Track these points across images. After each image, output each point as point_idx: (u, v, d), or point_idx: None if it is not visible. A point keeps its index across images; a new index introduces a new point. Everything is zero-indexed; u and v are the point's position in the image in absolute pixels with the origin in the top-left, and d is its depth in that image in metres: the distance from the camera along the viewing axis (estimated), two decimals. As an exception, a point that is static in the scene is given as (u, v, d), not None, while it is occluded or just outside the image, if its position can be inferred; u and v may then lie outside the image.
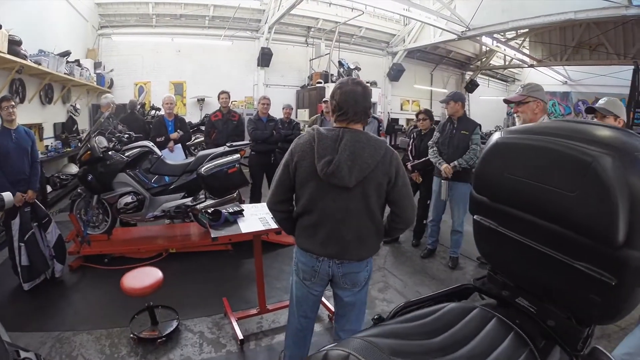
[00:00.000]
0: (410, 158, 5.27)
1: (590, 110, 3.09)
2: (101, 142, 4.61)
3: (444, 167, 4.44)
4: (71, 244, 4.55)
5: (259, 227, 2.90)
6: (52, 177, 7.42)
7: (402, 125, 15.71)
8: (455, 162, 4.38)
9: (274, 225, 2.86)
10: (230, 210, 3.03)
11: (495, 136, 1.44)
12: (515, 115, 3.00)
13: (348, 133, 1.96)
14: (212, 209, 2.98)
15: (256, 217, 3.10)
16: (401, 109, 16.48)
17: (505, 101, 3.16)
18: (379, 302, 3.82)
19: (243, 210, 3.14)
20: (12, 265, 3.90)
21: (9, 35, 5.36)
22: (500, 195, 1.41)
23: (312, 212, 2.04)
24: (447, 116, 4.66)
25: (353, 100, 1.98)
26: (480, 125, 4.50)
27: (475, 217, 1.53)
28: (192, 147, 9.15)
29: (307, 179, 2.00)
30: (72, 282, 4.22)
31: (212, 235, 2.75)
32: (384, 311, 3.64)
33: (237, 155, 4.66)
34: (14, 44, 5.50)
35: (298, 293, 2.24)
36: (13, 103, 3.85)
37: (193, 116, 11.95)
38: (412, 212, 2.08)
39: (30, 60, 6.16)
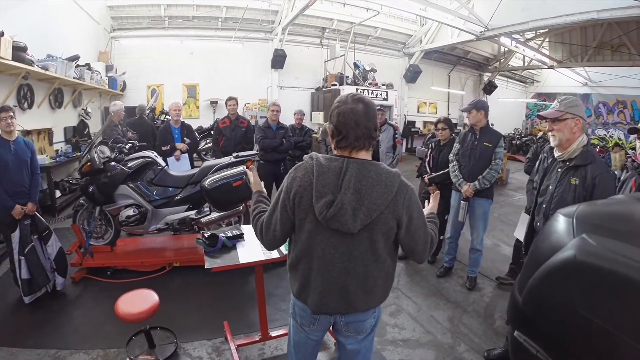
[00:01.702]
0: (428, 170, 4.98)
1: (634, 130, 2.73)
2: (104, 151, 4.46)
3: (465, 189, 4.17)
4: (74, 255, 4.43)
5: (260, 255, 2.64)
6: (62, 182, 7.30)
7: (419, 128, 15.47)
8: (476, 184, 4.11)
9: (275, 254, 2.63)
10: (229, 234, 2.79)
11: (570, 240, 1.01)
12: (550, 134, 2.62)
13: (354, 165, 1.63)
14: (209, 233, 2.74)
15: (257, 242, 2.83)
16: (418, 112, 16.24)
17: (539, 117, 2.80)
18: (390, 329, 3.57)
19: (243, 234, 2.90)
20: (13, 277, 3.82)
21: (14, 41, 5.26)
22: (564, 332, 1.02)
23: (309, 258, 1.75)
24: (469, 125, 4.36)
25: (353, 122, 1.64)
26: (504, 137, 4.20)
27: (515, 333, 1.21)
28: (203, 152, 9.04)
29: (304, 219, 1.70)
30: (73, 295, 4.11)
31: (206, 265, 2.51)
32: (395, 340, 3.42)
33: (243, 167, 4.45)
34: (18, 50, 5.43)
35: (295, 337, 1.99)
36: (12, 114, 3.72)
37: (206, 119, 11.91)
38: (425, 255, 1.79)
39: (38, 65, 6.08)
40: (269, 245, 1.87)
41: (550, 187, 2.57)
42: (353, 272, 1.71)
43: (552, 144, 2.60)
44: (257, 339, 3.18)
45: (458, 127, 16.26)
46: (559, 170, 2.54)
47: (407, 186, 1.68)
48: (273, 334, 3.22)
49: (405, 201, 1.65)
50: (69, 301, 4.00)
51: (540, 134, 18.34)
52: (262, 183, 2.23)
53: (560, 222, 1.10)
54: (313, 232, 1.70)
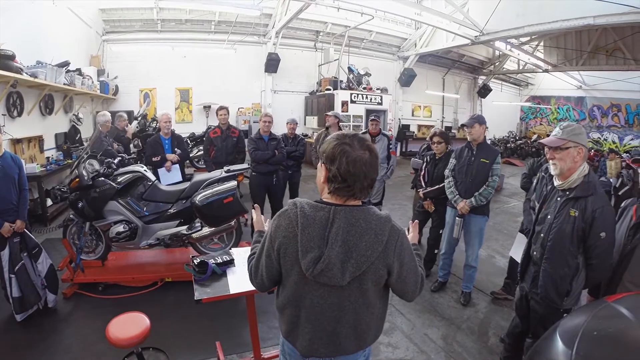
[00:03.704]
0: (423, 185, 4.93)
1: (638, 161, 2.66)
2: (93, 164, 4.40)
3: (461, 206, 4.12)
4: (65, 271, 4.35)
5: (251, 284, 2.58)
6: (53, 190, 7.20)
7: (414, 132, 15.46)
8: (473, 200, 4.06)
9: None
10: (219, 261, 2.72)
11: None
12: (550, 162, 2.50)
13: (341, 214, 1.54)
14: (199, 260, 2.68)
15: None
16: (412, 115, 16.24)
17: (541, 144, 2.68)
18: (383, 348, 3.54)
19: (233, 259, 2.85)
20: (4, 294, 3.75)
21: (1, 50, 5.22)
22: None
23: (297, 306, 1.68)
24: (467, 133, 4.31)
25: (362, 173, 1.52)
26: (501, 153, 4.16)
27: None
28: (196, 160, 8.97)
29: (290, 270, 1.63)
30: (65, 312, 4.05)
31: (196, 296, 2.45)
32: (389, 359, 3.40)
33: (234, 183, 4.38)
34: (6, 59, 5.36)
35: None
36: None
37: (199, 123, 11.84)
38: (415, 295, 1.75)
39: (27, 72, 6.01)
40: (258, 288, 1.83)
41: (549, 217, 2.50)
42: (344, 320, 1.65)
43: (552, 173, 2.50)
44: (250, 360, 3.13)
45: (452, 131, 16.30)
46: (559, 199, 2.47)
47: (398, 232, 1.60)
48: (265, 355, 3.16)
49: (397, 249, 1.58)
50: (61, 319, 3.93)
51: (534, 136, 18.51)
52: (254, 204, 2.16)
53: (559, 348, 1.07)
54: (300, 284, 1.63)
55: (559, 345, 1.12)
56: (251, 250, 1.93)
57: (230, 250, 3.03)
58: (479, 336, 3.79)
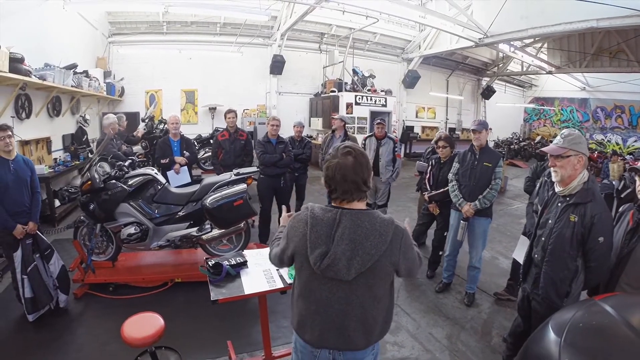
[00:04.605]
0: (428, 188, 5.01)
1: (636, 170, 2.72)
2: (104, 167, 4.48)
3: (466, 209, 4.21)
4: (75, 272, 4.42)
5: (264, 285, 2.66)
6: (61, 191, 7.33)
7: (417, 134, 15.48)
8: (477, 203, 4.15)
9: (279, 284, 2.66)
10: (233, 262, 2.81)
11: None
12: (551, 169, 2.60)
13: (347, 216, 1.69)
14: (213, 262, 2.76)
15: (260, 270, 2.86)
16: (416, 117, 16.25)
17: (542, 152, 2.79)
18: (389, 347, 3.61)
19: (246, 261, 2.93)
20: (16, 294, 3.82)
21: (10, 53, 5.27)
22: None
23: (308, 300, 1.82)
24: (470, 145, 4.38)
25: (340, 176, 1.69)
26: (504, 155, 4.24)
27: None
28: (202, 161, 9.05)
29: (301, 266, 1.80)
30: (76, 312, 4.10)
31: (212, 297, 2.53)
32: (395, 358, 3.46)
33: (244, 186, 4.47)
34: (15, 62, 5.42)
35: None
36: (10, 133, 3.68)
37: (204, 125, 11.91)
38: (418, 273, 2.00)
39: (35, 75, 6.08)
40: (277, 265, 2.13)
41: (550, 221, 2.60)
42: (351, 314, 1.76)
43: (553, 179, 2.60)
44: (261, 359, 3.20)
45: (456, 132, 16.33)
46: (559, 205, 2.57)
47: (401, 231, 1.74)
48: (276, 353, 3.24)
49: (402, 247, 1.73)
50: (72, 319, 3.99)
51: (538, 138, 18.52)
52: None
53: (551, 336, 1.29)
54: (311, 278, 1.78)
55: (551, 334, 1.32)
56: (277, 234, 2.13)
57: (243, 252, 3.11)
58: (482, 336, 3.86)
